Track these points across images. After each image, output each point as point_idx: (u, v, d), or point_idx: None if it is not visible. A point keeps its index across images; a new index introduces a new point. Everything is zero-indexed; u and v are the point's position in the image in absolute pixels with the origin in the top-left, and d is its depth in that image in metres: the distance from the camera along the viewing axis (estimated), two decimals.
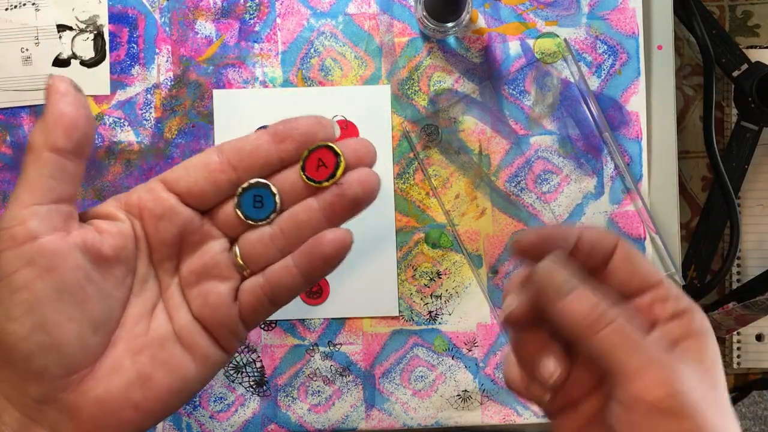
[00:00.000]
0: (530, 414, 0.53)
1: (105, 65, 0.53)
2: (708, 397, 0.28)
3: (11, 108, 0.53)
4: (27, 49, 0.52)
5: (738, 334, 0.66)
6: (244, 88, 0.53)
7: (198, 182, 0.31)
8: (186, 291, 0.32)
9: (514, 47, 0.53)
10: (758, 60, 0.63)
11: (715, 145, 0.60)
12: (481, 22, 0.54)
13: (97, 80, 0.53)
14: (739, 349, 0.66)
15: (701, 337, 0.30)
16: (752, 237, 0.66)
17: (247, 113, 0.53)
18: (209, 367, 0.32)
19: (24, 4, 0.52)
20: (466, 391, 0.53)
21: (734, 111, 0.66)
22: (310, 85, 0.53)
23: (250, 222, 0.32)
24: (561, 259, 0.30)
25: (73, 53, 0.53)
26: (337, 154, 0.31)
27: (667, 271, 0.53)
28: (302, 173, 0.32)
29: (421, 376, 0.53)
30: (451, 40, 0.53)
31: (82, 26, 0.52)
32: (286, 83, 0.53)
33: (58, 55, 0.53)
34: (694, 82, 0.67)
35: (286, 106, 0.53)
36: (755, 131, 0.63)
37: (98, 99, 0.53)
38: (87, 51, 0.53)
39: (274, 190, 0.32)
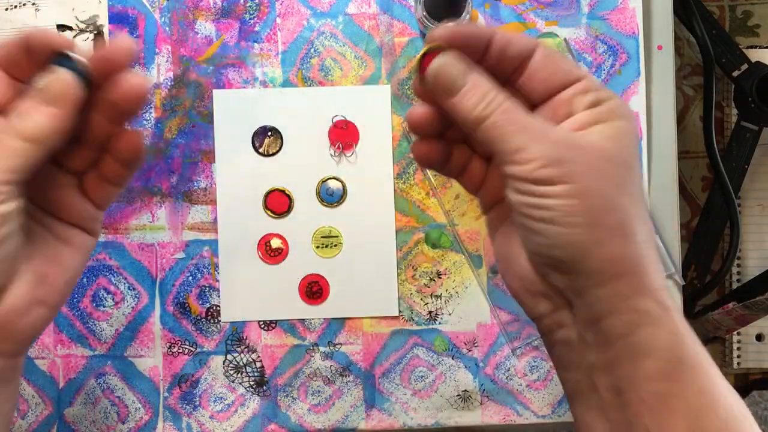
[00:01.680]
0: (530, 414, 0.53)
1: None
2: (600, 168, 0.30)
3: None
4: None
5: (738, 334, 0.66)
6: (244, 88, 0.53)
7: None
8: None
9: None
10: (758, 60, 0.63)
11: (715, 145, 0.60)
12: (481, 22, 0.54)
13: None
14: (739, 349, 0.66)
15: (613, 121, 0.31)
16: (752, 237, 0.66)
17: (247, 113, 0.53)
18: (86, 252, 0.36)
19: (24, 4, 0.52)
20: (466, 391, 0.53)
21: (734, 111, 0.66)
22: (310, 85, 0.53)
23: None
24: (455, 56, 0.32)
25: None
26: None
27: (667, 271, 0.53)
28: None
29: (421, 376, 0.53)
30: None
31: (82, 26, 0.52)
32: (286, 83, 0.53)
33: None
34: (694, 82, 0.67)
35: (286, 106, 0.53)
36: (755, 131, 0.63)
37: None
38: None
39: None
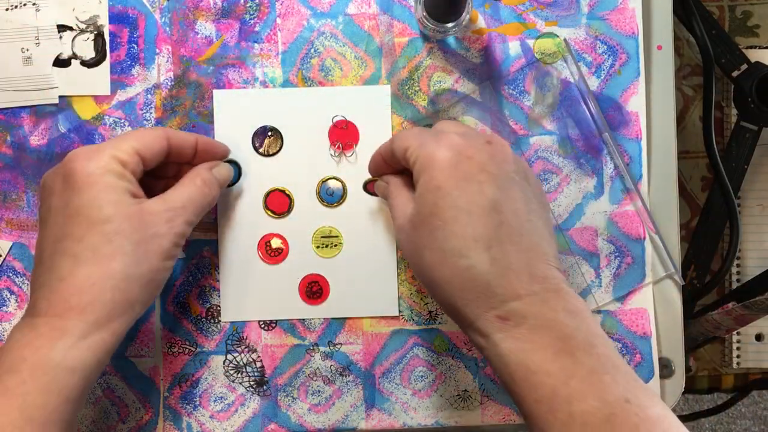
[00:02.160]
0: None
1: (105, 65, 0.53)
2: (409, 230, 0.43)
3: (11, 108, 0.53)
4: (27, 50, 0.52)
5: (738, 334, 0.66)
6: (244, 88, 0.53)
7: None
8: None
9: (514, 47, 0.54)
10: (758, 60, 0.63)
11: (715, 145, 0.60)
12: (481, 22, 0.54)
13: (98, 80, 0.53)
14: (738, 349, 0.66)
15: (419, 179, 0.42)
16: (752, 237, 0.66)
17: (248, 113, 0.53)
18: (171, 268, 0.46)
19: (24, 5, 0.52)
20: (465, 390, 0.53)
21: (734, 111, 0.66)
22: (310, 85, 0.53)
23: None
24: (379, 182, 0.50)
25: (74, 53, 0.53)
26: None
27: (667, 271, 0.54)
28: None
29: (421, 376, 0.53)
30: (451, 40, 0.53)
31: (83, 26, 0.52)
32: (286, 83, 0.53)
33: (59, 55, 0.53)
34: (694, 82, 0.67)
35: (286, 106, 0.53)
36: (755, 131, 0.63)
37: (98, 99, 0.53)
38: (87, 51, 0.53)
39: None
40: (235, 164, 0.52)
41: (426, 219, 0.41)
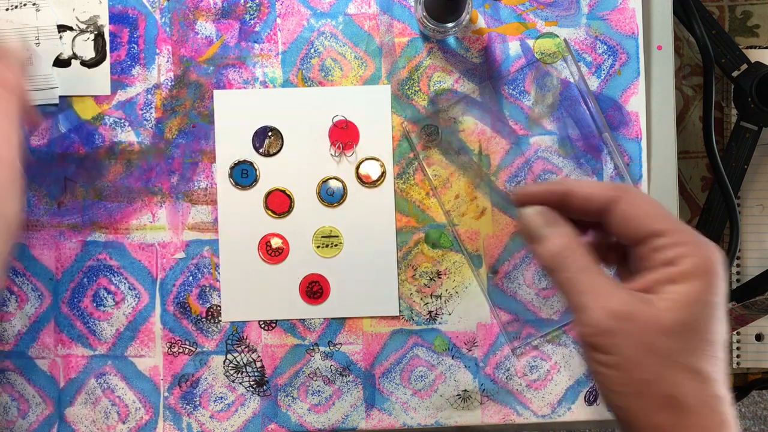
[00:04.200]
0: (530, 414, 0.53)
1: (105, 65, 0.53)
2: (649, 341, 0.32)
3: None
4: (27, 50, 0.52)
5: (738, 334, 0.66)
6: (244, 88, 0.53)
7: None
8: None
9: (514, 47, 0.54)
10: (758, 60, 0.63)
11: (715, 145, 0.60)
12: (481, 22, 0.54)
13: (98, 80, 0.53)
14: (738, 349, 0.66)
15: (685, 282, 0.32)
16: (752, 237, 0.66)
17: (248, 113, 0.53)
18: None
19: (24, 5, 0.52)
20: (465, 390, 0.53)
21: (734, 111, 0.66)
22: (310, 85, 0.53)
23: None
24: (537, 210, 0.36)
25: (74, 53, 0.53)
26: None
27: None
28: None
29: (421, 376, 0.53)
30: (451, 40, 0.53)
31: (83, 26, 0.52)
32: (286, 83, 0.53)
33: (59, 55, 0.53)
34: (694, 82, 0.67)
35: (286, 106, 0.53)
36: (755, 131, 0.63)
37: (99, 99, 0.53)
38: (87, 51, 0.53)
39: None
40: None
41: (690, 333, 0.32)
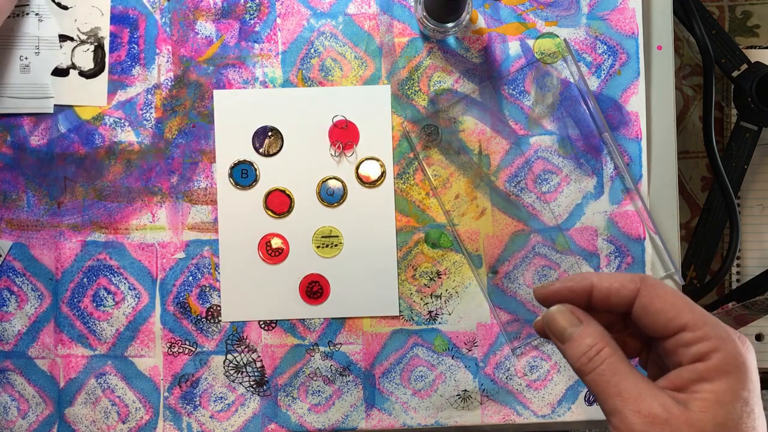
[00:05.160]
0: (530, 414, 0.53)
1: (103, 77, 0.53)
2: None
3: (7, 114, 0.53)
4: (26, 58, 0.52)
5: None
6: (244, 88, 0.53)
7: None
8: None
9: (514, 47, 0.54)
10: (758, 60, 0.63)
11: (715, 145, 0.60)
12: (481, 22, 0.54)
13: (95, 91, 0.53)
14: None
15: (718, 379, 0.32)
16: (752, 237, 0.66)
17: (248, 113, 0.53)
18: None
19: (27, 14, 0.52)
20: (465, 390, 0.53)
21: (734, 111, 0.66)
22: (310, 85, 0.53)
23: None
24: (563, 309, 0.35)
25: (73, 63, 0.53)
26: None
27: (667, 271, 0.54)
28: None
29: (421, 376, 0.53)
30: (451, 40, 0.53)
31: (83, 37, 0.52)
32: (286, 83, 0.53)
33: (58, 64, 0.53)
34: (694, 82, 0.67)
35: (286, 106, 0.53)
36: (755, 131, 0.63)
37: None
38: (86, 62, 0.53)
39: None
40: None
41: (726, 426, 0.32)
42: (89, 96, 0.53)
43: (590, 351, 0.34)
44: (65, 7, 0.52)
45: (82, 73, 0.53)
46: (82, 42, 0.52)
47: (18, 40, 0.52)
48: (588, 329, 0.34)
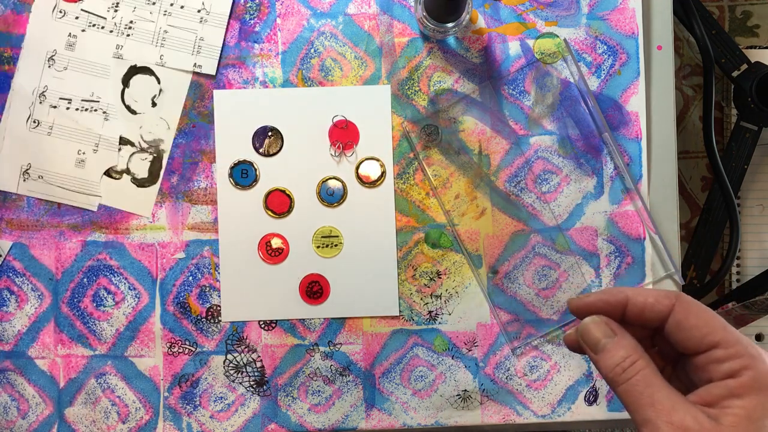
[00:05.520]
0: (530, 414, 0.53)
1: (154, 189, 0.52)
2: None
3: (48, 201, 0.53)
4: (83, 152, 0.52)
5: None
6: (244, 88, 0.53)
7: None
8: None
9: (514, 47, 0.54)
10: (758, 60, 0.63)
11: (715, 145, 0.60)
12: (481, 22, 0.54)
13: (143, 201, 0.52)
14: None
15: (750, 396, 0.32)
16: (752, 237, 0.66)
17: (247, 113, 0.53)
18: None
19: (95, 110, 0.52)
20: (465, 390, 0.53)
21: (734, 111, 0.66)
22: (310, 85, 0.53)
23: None
24: (597, 321, 0.36)
25: (128, 168, 0.52)
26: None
27: (667, 271, 0.54)
28: None
29: (421, 376, 0.53)
30: (451, 40, 0.53)
31: (144, 146, 0.52)
32: (286, 83, 0.53)
33: (113, 166, 0.52)
34: (694, 82, 0.67)
35: (286, 106, 0.53)
36: (755, 131, 0.63)
37: None
38: (141, 170, 0.52)
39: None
40: None
41: None
42: (135, 204, 0.52)
43: (624, 362, 0.35)
44: (134, 112, 0.52)
45: (134, 180, 0.52)
46: (142, 150, 0.51)
47: (80, 134, 0.51)
48: (622, 341, 0.35)
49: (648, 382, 0.34)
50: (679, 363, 0.38)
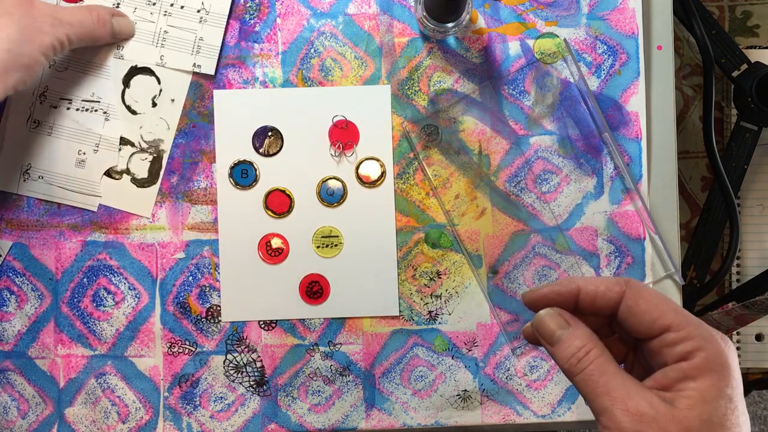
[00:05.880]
0: (530, 414, 0.53)
1: (153, 189, 0.52)
2: None
3: (48, 201, 0.53)
4: (84, 153, 0.52)
5: (738, 334, 0.66)
6: (244, 88, 0.53)
7: None
8: None
9: (514, 47, 0.54)
10: (758, 60, 0.63)
11: (715, 145, 0.60)
12: (481, 22, 0.54)
13: (143, 201, 0.52)
14: (738, 348, 0.66)
15: (702, 378, 0.33)
16: (752, 237, 0.66)
17: (248, 113, 0.53)
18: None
19: (95, 110, 0.52)
20: (465, 390, 0.53)
21: (734, 111, 0.66)
22: (310, 85, 0.53)
23: None
24: (552, 313, 0.37)
25: (128, 168, 0.52)
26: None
27: (667, 271, 0.54)
28: None
29: (421, 376, 0.53)
30: (451, 40, 0.53)
31: (144, 146, 0.52)
32: (286, 83, 0.53)
33: (113, 166, 0.52)
34: (694, 82, 0.67)
35: (286, 106, 0.53)
36: (755, 131, 0.63)
37: None
38: (141, 170, 0.52)
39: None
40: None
41: (713, 429, 0.33)
42: (135, 204, 0.52)
43: (579, 352, 0.35)
44: (134, 112, 0.52)
45: (134, 180, 0.52)
46: (142, 150, 0.51)
47: (81, 134, 0.51)
48: (576, 331, 0.36)
49: (602, 370, 0.34)
50: (638, 348, 0.38)
